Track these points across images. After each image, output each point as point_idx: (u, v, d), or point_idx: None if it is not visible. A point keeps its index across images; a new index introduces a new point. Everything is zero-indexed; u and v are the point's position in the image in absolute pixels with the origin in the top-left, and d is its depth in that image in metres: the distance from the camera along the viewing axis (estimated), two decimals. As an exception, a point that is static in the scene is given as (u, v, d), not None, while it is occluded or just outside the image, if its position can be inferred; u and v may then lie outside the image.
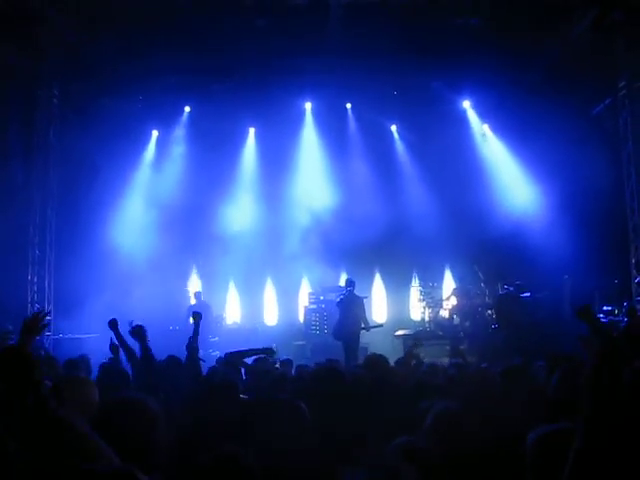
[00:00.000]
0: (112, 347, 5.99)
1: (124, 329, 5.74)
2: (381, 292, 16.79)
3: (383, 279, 16.80)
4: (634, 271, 13.49)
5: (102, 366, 5.35)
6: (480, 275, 14.72)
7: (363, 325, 11.72)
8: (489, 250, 15.98)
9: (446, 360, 11.40)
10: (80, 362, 6.03)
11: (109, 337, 6.05)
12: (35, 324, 3.59)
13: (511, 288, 12.63)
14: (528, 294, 13.44)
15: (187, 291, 15.18)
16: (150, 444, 2.48)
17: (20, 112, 12.56)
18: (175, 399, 4.14)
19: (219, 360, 6.34)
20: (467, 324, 14.18)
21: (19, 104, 12.25)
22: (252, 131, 16.06)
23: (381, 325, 13.15)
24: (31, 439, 2.09)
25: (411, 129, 15.87)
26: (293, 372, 6.44)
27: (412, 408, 3.43)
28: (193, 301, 14.70)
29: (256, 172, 15.91)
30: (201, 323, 5.99)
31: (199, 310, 13.82)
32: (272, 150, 15.63)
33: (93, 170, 13.64)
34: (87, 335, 12.36)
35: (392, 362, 6.08)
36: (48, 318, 3.20)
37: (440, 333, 14.62)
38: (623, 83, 13.39)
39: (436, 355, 11.13)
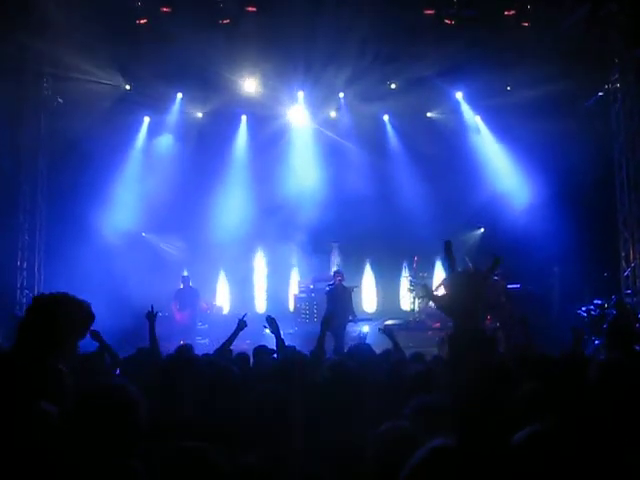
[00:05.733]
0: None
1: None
2: (371, 282, 16.81)
3: (373, 269, 16.83)
4: (623, 264, 13.56)
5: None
6: (470, 266, 14.72)
7: (350, 317, 11.72)
8: (480, 241, 16.07)
9: (435, 350, 11.45)
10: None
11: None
12: None
13: (497, 278, 12.62)
14: (518, 285, 13.46)
15: (183, 277, 14.75)
16: (129, 428, 2.47)
17: (9, 97, 12.41)
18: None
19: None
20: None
21: (8, 89, 12.10)
22: (244, 118, 15.98)
23: (370, 318, 13.14)
24: None
25: (403, 119, 15.80)
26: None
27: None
28: (180, 285, 14.34)
29: (248, 160, 15.82)
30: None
31: (188, 295, 13.60)
32: (264, 138, 15.56)
33: (83, 155, 13.48)
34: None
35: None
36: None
37: (429, 323, 14.69)
38: (616, 76, 13.40)
39: (425, 345, 11.13)
